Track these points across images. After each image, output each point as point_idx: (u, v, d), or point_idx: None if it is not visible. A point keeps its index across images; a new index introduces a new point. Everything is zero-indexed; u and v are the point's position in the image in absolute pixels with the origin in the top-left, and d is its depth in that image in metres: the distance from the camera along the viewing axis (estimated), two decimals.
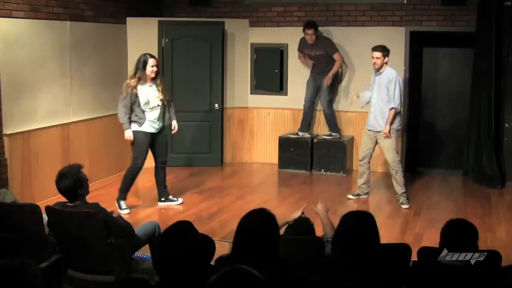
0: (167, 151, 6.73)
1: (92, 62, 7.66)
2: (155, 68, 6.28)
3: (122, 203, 6.45)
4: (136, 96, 6.24)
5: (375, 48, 6.72)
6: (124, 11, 8.38)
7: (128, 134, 6.31)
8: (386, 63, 6.74)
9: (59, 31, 7.04)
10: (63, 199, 4.30)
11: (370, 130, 6.86)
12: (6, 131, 6.31)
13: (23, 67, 6.51)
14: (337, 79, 8.52)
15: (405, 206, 6.72)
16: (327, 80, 8.26)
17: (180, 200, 6.84)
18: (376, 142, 6.86)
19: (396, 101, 6.61)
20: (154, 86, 6.34)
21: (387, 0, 8.35)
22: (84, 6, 7.48)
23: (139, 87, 6.26)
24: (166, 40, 8.54)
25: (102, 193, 7.02)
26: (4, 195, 5.41)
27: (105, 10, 7.96)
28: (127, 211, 6.38)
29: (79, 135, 7.42)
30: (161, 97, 6.37)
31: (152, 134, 6.38)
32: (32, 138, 6.64)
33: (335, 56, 8.27)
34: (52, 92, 6.98)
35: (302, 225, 4.11)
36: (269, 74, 8.93)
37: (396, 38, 8.34)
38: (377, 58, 6.68)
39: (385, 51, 6.70)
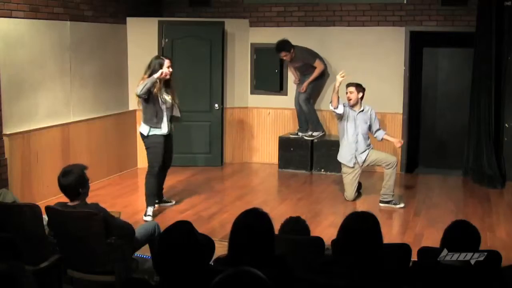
0: (172, 157, 6.61)
1: (92, 62, 7.66)
2: (171, 69, 6.17)
3: (149, 209, 6.24)
4: (158, 91, 6.11)
5: (350, 84, 6.80)
6: (124, 11, 8.38)
7: (158, 74, 6.05)
8: (361, 98, 6.80)
9: (59, 31, 7.04)
10: (63, 199, 4.30)
11: (353, 166, 6.87)
12: (6, 131, 6.31)
13: (23, 67, 6.51)
14: (317, 82, 8.51)
15: (401, 206, 6.74)
16: (303, 87, 8.38)
17: (173, 201, 6.81)
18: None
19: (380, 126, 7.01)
20: (166, 90, 6.23)
21: (387, 0, 8.35)
22: (84, 6, 7.48)
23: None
24: (166, 40, 8.53)
25: (102, 193, 7.02)
26: (4, 195, 5.42)
27: (105, 10, 7.96)
28: (149, 218, 6.12)
29: (79, 135, 7.41)
30: (172, 101, 6.26)
31: (165, 136, 6.26)
32: (32, 138, 6.64)
33: (316, 64, 8.34)
34: (52, 92, 6.98)
35: (295, 224, 4.10)
36: (269, 74, 8.93)
37: (396, 38, 8.35)
38: (351, 92, 6.74)
39: (359, 86, 6.78)
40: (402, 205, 6.74)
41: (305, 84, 8.38)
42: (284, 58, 8.38)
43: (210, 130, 8.79)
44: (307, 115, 8.58)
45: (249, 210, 2.98)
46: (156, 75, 6.03)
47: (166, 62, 6.18)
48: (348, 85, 6.80)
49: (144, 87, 5.99)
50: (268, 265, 2.72)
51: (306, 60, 8.37)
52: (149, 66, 6.19)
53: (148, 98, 6.09)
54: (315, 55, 8.41)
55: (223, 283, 2.05)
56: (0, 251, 2.97)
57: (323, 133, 8.58)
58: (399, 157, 8.46)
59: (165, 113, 6.20)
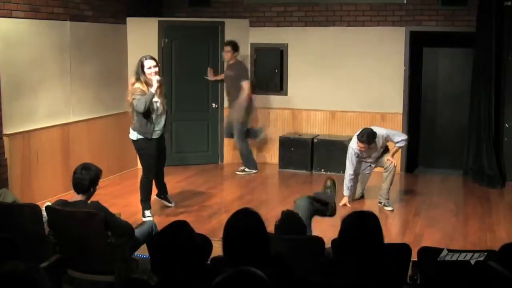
0: (165, 157, 6.53)
1: (92, 62, 7.66)
2: (153, 70, 5.87)
3: (146, 212, 6.20)
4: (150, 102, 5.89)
5: (363, 140, 6.55)
6: (124, 11, 8.38)
7: (157, 79, 5.85)
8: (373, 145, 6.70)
9: (59, 31, 7.04)
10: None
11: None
12: (6, 131, 6.31)
13: (23, 67, 6.51)
14: (248, 110, 8.27)
15: (388, 208, 6.69)
16: (238, 118, 8.10)
17: (173, 204, 6.71)
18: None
19: (401, 136, 6.84)
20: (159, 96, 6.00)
21: (387, 0, 8.35)
22: (84, 6, 7.48)
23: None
24: (166, 40, 8.54)
25: (102, 193, 6.97)
26: (4, 195, 5.42)
27: (105, 10, 7.95)
28: (150, 218, 6.05)
29: (79, 135, 7.41)
30: (164, 102, 6.07)
31: (157, 139, 6.11)
32: (32, 138, 6.64)
33: (243, 84, 8.08)
34: (52, 92, 6.98)
35: (290, 221, 4.09)
36: (269, 74, 8.93)
37: (396, 38, 8.34)
38: (362, 148, 6.63)
39: (371, 140, 6.54)
40: (390, 208, 6.66)
41: (238, 111, 8.07)
42: (225, 53, 8.17)
43: (208, 128, 8.83)
44: (241, 153, 8.35)
45: (239, 210, 2.98)
46: (153, 90, 5.81)
47: (147, 63, 5.89)
48: (361, 141, 6.56)
49: (145, 105, 5.78)
50: (268, 265, 2.72)
51: (240, 74, 8.11)
52: (136, 65, 5.98)
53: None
54: (247, 77, 8.22)
55: (224, 283, 2.05)
56: (0, 251, 2.97)
57: (256, 171, 8.34)
58: (399, 157, 8.46)
59: (155, 122, 5.99)
